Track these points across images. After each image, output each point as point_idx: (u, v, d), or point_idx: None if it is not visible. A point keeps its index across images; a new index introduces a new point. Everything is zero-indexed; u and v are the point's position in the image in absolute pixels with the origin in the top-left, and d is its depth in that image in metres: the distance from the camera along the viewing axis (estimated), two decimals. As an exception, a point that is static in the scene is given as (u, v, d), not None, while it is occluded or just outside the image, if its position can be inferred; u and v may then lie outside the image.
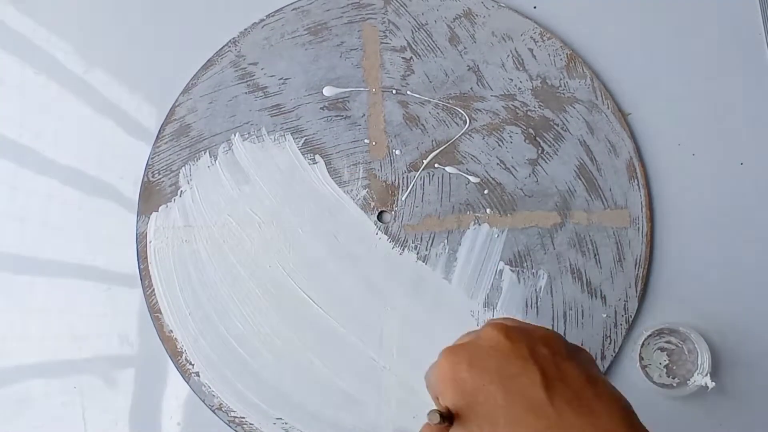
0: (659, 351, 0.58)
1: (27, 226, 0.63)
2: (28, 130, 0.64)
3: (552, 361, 0.37)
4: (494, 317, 0.43)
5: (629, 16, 0.63)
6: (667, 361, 0.58)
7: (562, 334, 0.57)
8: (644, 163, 0.60)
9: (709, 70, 0.62)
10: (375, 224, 0.60)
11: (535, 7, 0.63)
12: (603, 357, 0.57)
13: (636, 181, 0.59)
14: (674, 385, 0.57)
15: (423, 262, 0.59)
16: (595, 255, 0.58)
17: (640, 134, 0.61)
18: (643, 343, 0.57)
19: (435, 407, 0.38)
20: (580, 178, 0.60)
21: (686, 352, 0.58)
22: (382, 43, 0.63)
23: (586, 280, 0.58)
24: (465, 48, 0.62)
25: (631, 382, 0.58)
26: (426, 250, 0.59)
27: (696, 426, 0.57)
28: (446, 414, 0.36)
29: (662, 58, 0.62)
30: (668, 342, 0.58)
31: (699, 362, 0.56)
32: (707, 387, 0.55)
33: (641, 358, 0.57)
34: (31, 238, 0.62)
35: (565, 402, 0.35)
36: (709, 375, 0.55)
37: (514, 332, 0.38)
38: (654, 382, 0.56)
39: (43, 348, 0.61)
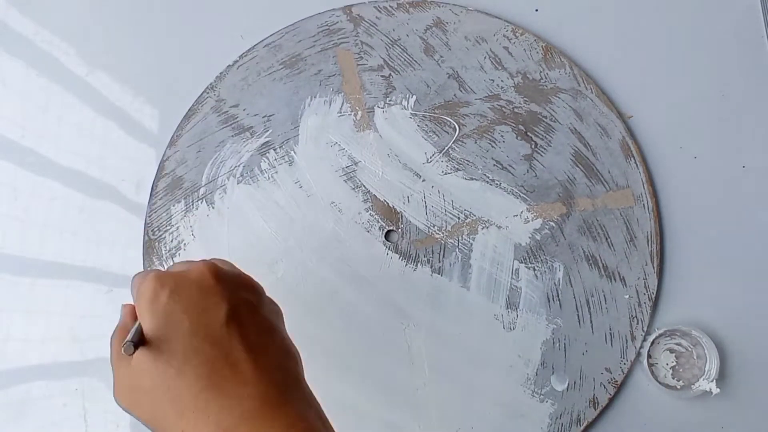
0: (668, 352, 0.58)
1: (28, 228, 0.62)
2: (30, 132, 0.64)
3: (244, 305, 0.42)
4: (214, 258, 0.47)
5: (629, 18, 0.64)
6: (674, 363, 0.58)
7: (589, 324, 0.57)
8: (637, 140, 0.61)
9: (710, 71, 0.62)
10: (384, 245, 0.59)
11: (536, 10, 0.63)
12: (633, 338, 0.57)
13: (632, 159, 0.60)
14: (678, 387, 0.57)
15: (438, 274, 0.59)
16: (606, 238, 0.59)
17: (641, 136, 0.61)
18: (653, 342, 0.57)
19: (130, 331, 0.41)
20: (577, 166, 0.60)
21: (695, 357, 0.58)
22: (358, 65, 0.63)
23: (602, 264, 0.58)
24: (441, 56, 0.62)
25: (635, 377, 0.58)
26: (439, 261, 0.59)
27: (697, 428, 0.57)
28: (137, 341, 0.40)
29: (664, 61, 0.63)
30: (678, 344, 0.58)
31: (706, 368, 0.57)
32: (711, 392, 0.55)
33: (649, 356, 0.57)
34: (33, 240, 0.62)
35: (239, 340, 0.40)
36: (714, 381, 0.55)
37: (223, 275, 0.42)
38: (659, 382, 0.56)
39: (45, 350, 0.61)
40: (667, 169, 0.61)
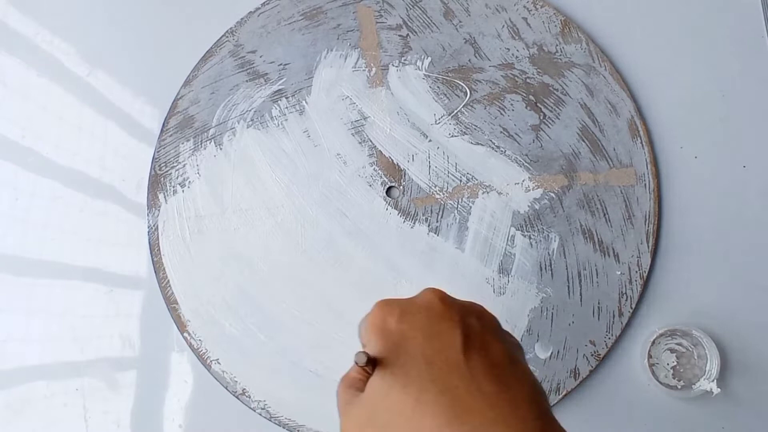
0: (668, 352, 0.58)
1: (29, 228, 0.63)
2: (30, 132, 0.64)
3: (479, 331, 0.38)
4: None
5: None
6: (674, 363, 0.58)
7: (578, 296, 0.58)
8: (645, 120, 0.61)
9: (710, 71, 0.62)
10: (384, 200, 0.60)
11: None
12: (621, 314, 0.57)
13: (639, 139, 0.60)
14: (678, 387, 0.57)
15: (435, 233, 0.59)
16: (604, 214, 0.59)
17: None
18: (653, 342, 0.57)
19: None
20: (583, 140, 0.60)
21: (695, 357, 0.57)
22: (377, 22, 0.63)
23: (598, 239, 0.59)
24: (460, 21, 0.63)
25: (635, 374, 0.58)
26: (437, 221, 0.60)
27: (697, 426, 0.57)
28: (371, 359, 0.37)
29: (663, 61, 0.62)
30: (679, 344, 0.58)
31: (707, 368, 0.56)
32: (712, 392, 0.55)
33: (650, 356, 0.57)
34: (33, 240, 0.63)
35: (481, 369, 0.36)
36: (715, 381, 0.55)
37: (450, 300, 0.39)
38: (659, 382, 0.56)
39: (45, 350, 0.61)
40: (666, 169, 0.61)
